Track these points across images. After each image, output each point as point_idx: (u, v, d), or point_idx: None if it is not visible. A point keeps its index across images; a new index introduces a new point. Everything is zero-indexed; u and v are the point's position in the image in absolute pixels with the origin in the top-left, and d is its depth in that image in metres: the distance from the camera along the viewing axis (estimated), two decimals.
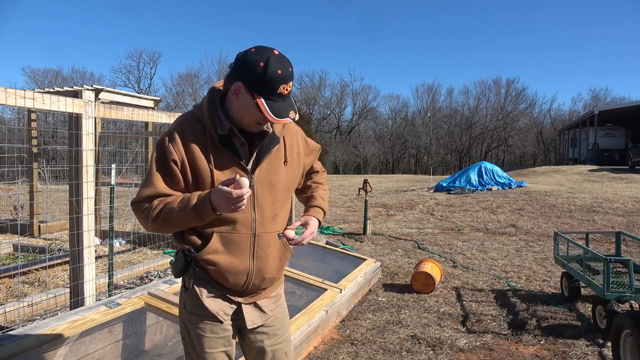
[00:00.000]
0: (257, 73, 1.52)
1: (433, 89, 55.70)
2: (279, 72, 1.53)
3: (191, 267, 1.70)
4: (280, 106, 1.56)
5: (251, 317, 1.77)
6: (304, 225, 1.80)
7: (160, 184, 1.60)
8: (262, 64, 1.52)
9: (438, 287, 5.10)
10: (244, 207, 1.52)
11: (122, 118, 4.24)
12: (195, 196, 1.56)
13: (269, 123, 1.72)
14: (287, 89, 1.56)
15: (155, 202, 1.60)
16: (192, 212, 1.54)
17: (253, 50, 1.57)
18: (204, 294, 1.69)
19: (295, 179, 1.82)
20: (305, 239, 1.75)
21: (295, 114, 1.60)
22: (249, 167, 1.67)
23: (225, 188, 1.48)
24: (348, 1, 79.09)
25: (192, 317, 1.72)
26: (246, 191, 1.48)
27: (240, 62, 1.57)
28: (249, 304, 1.77)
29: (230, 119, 1.63)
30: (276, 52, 1.56)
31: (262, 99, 1.54)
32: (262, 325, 1.80)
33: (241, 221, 1.66)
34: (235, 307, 1.75)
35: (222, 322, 1.72)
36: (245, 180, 1.48)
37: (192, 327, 1.72)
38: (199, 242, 1.67)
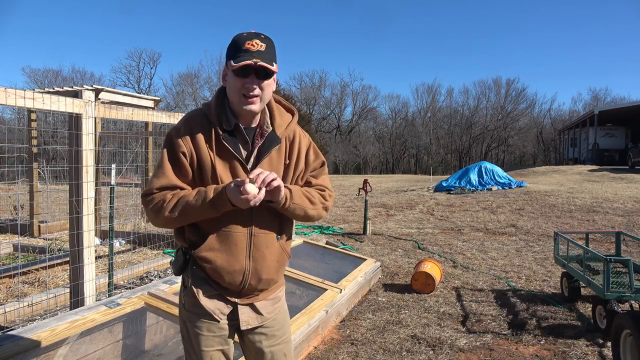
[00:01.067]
0: (229, 44, 1.65)
1: (433, 89, 55.77)
2: (245, 34, 1.64)
3: (189, 265, 1.72)
4: (244, 57, 1.61)
5: (246, 318, 1.77)
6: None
7: (171, 175, 1.65)
8: (234, 37, 1.65)
9: (438, 287, 5.11)
10: (259, 202, 1.58)
11: (122, 118, 4.25)
12: (211, 189, 1.62)
13: (269, 122, 1.73)
14: (253, 45, 1.62)
15: (169, 195, 1.64)
16: (209, 204, 1.60)
17: None
18: (200, 293, 1.71)
19: (296, 181, 1.81)
20: (263, 177, 1.58)
21: (266, 63, 1.60)
22: (250, 164, 1.69)
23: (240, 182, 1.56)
24: (348, 1, 79.29)
25: (190, 315, 1.73)
26: (255, 191, 1.55)
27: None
28: (246, 305, 1.77)
29: (235, 116, 1.68)
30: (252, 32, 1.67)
31: (232, 60, 1.62)
32: (260, 326, 1.80)
33: (239, 220, 1.67)
34: (232, 307, 1.75)
35: (218, 321, 1.72)
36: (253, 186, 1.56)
37: (190, 325, 1.73)
38: (196, 239, 1.69)
